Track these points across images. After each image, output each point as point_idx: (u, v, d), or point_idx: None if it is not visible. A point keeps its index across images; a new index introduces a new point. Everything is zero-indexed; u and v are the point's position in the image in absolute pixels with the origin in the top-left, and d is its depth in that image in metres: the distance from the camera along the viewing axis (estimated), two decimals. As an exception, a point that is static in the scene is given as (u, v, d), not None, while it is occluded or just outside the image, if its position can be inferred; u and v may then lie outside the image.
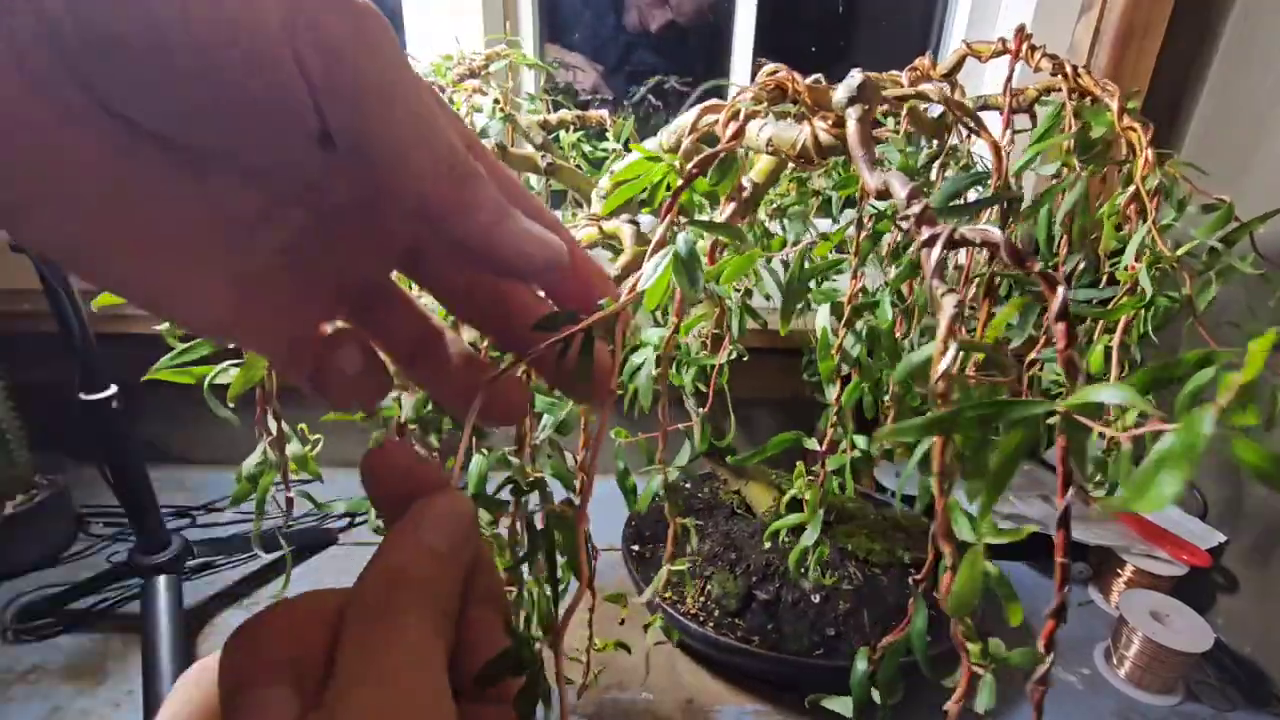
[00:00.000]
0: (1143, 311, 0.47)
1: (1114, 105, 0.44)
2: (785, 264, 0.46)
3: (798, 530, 0.50)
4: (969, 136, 0.50)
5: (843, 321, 0.45)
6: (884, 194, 0.24)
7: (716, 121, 0.33)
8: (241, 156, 0.16)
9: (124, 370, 0.68)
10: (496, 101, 0.64)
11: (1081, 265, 0.51)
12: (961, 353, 0.19)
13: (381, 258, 0.21)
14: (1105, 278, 0.51)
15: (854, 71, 0.31)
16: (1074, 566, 0.84)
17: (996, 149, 0.37)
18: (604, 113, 0.77)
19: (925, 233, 0.21)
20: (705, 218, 0.33)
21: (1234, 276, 0.46)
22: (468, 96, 0.66)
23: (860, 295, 0.45)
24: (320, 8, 0.15)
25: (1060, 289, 0.18)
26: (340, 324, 0.21)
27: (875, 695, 0.31)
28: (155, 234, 0.16)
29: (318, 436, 0.49)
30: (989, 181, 0.38)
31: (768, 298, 0.76)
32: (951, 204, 0.32)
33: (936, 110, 0.48)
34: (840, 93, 0.31)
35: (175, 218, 0.16)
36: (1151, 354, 0.48)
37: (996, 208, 0.39)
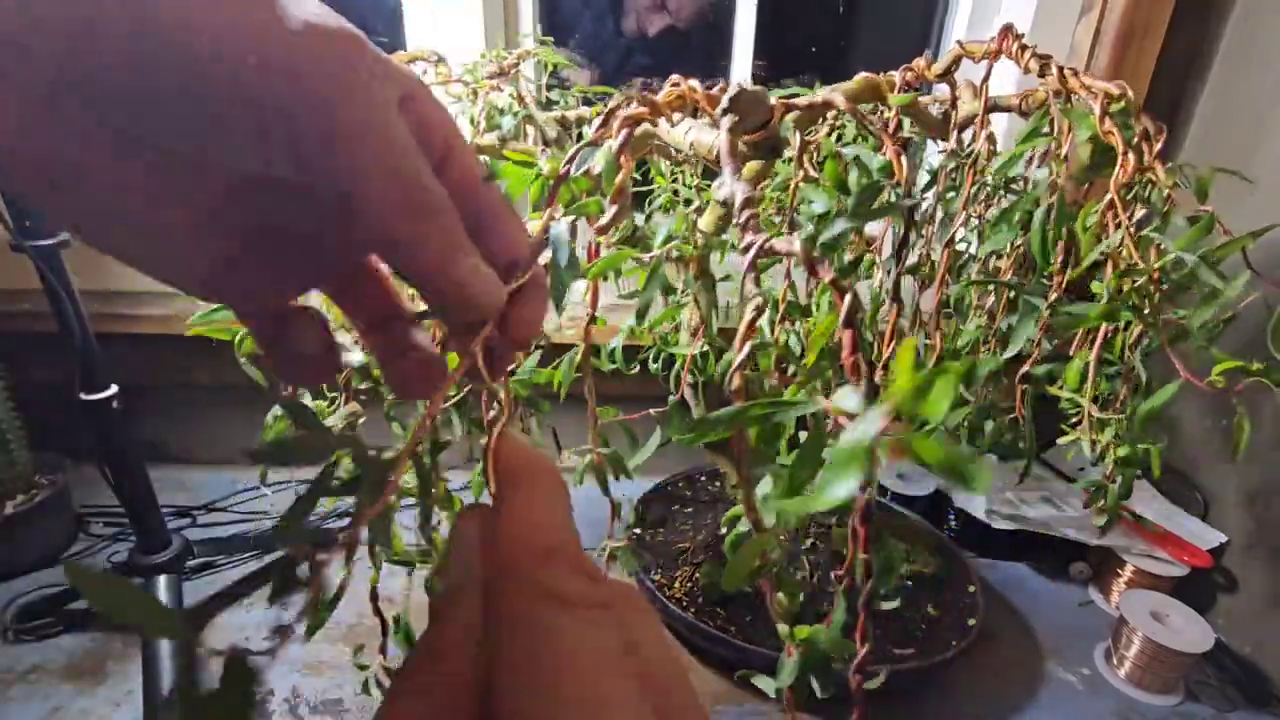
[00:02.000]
0: (1136, 328, 0.46)
1: (1096, 108, 0.42)
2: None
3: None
4: (976, 136, 0.49)
5: (778, 320, 0.46)
6: (740, 204, 0.25)
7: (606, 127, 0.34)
8: (222, 164, 0.17)
9: (124, 370, 0.68)
10: (513, 98, 0.65)
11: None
12: (755, 352, 0.21)
13: (351, 249, 0.22)
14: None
15: (735, 83, 0.33)
16: (1074, 566, 0.84)
17: (898, 154, 0.38)
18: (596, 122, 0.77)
19: (745, 239, 0.23)
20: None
21: (1227, 296, 0.42)
22: (486, 93, 0.67)
23: (788, 295, 0.46)
24: (298, 43, 0.15)
25: (848, 296, 0.20)
26: (305, 301, 0.22)
27: (815, 685, 0.32)
28: (140, 219, 0.18)
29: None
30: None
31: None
32: (858, 209, 0.34)
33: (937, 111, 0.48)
34: (721, 104, 0.32)
35: (156, 205, 0.17)
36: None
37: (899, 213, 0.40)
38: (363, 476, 0.18)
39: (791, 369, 0.45)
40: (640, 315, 0.39)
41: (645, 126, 0.37)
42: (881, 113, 0.50)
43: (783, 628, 0.28)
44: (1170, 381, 0.44)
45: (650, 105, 0.34)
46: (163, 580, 0.69)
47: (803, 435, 0.20)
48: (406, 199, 0.17)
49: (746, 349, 0.22)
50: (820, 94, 0.40)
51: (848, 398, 0.16)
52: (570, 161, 0.29)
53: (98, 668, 0.67)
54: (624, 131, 0.31)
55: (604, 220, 0.30)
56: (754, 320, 0.21)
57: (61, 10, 0.14)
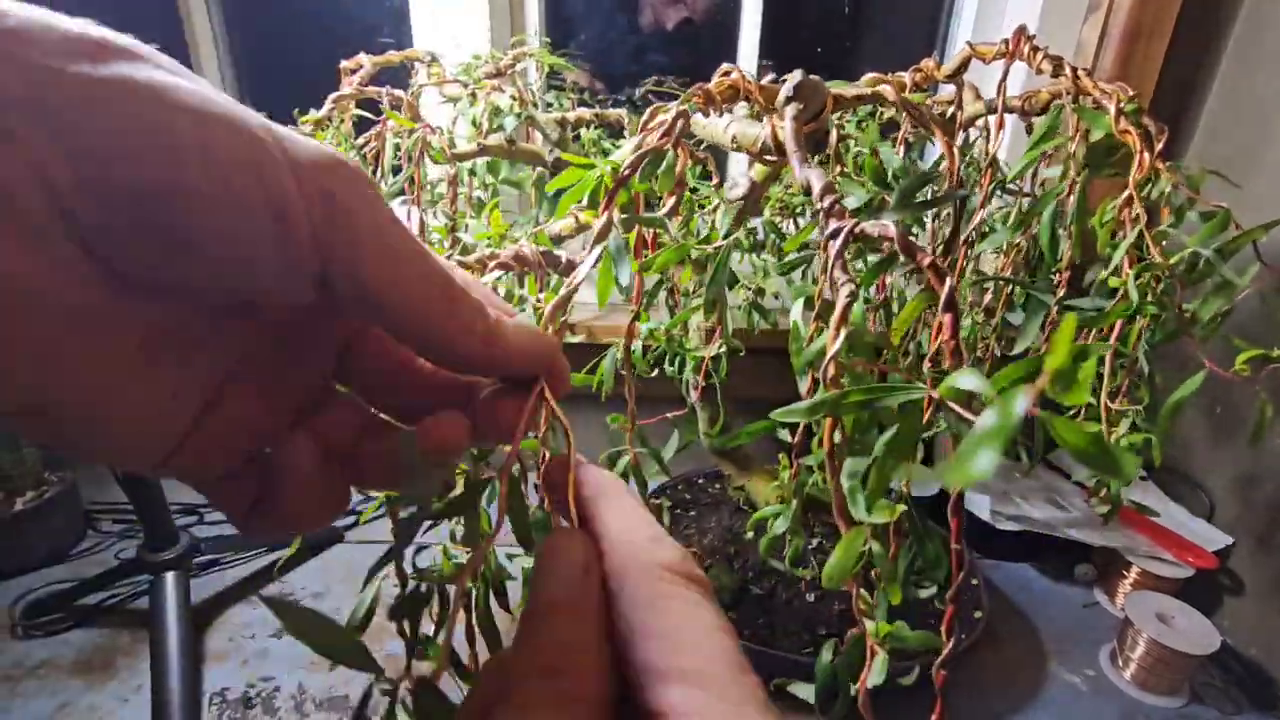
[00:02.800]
0: (1143, 321, 0.46)
1: (1111, 108, 0.43)
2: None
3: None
4: (988, 136, 0.49)
5: (814, 315, 0.46)
6: (820, 190, 0.25)
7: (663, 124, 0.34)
8: (232, 295, 0.17)
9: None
10: (514, 99, 0.65)
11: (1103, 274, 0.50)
12: (850, 341, 0.21)
13: (325, 357, 0.21)
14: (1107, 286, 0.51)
15: (795, 73, 0.33)
16: (1079, 567, 0.84)
17: (950, 150, 0.38)
18: (622, 111, 0.78)
19: (831, 225, 0.23)
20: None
21: (1237, 288, 0.43)
22: (486, 94, 0.67)
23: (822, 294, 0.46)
24: (313, 160, 0.16)
25: (948, 280, 0.19)
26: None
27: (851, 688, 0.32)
28: (111, 357, 0.16)
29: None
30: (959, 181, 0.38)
31: (776, 296, 0.76)
32: (905, 201, 0.34)
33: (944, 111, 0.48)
34: (781, 92, 0.32)
35: (133, 341, 0.16)
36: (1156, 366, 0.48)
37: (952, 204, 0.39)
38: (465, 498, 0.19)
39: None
40: (709, 308, 0.38)
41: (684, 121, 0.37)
42: (876, 110, 0.50)
43: (870, 625, 0.28)
44: (1169, 374, 0.44)
45: (705, 95, 0.34)
46: (170, 577, 0.69)
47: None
48: (445, 293, 0.18)
49: (841, 338, 0.21)
50: (868, 87, 0.40)
51: (967, 379, 0.16)
52: (635, 168, 0.29)
53: (106, 663, 0.67)
54: (680, 122, 0.31)
55: (664, 210, 0.30)
56: (848, 306, 0.21)
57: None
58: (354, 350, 0.22)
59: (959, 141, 0.52)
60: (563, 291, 0.22)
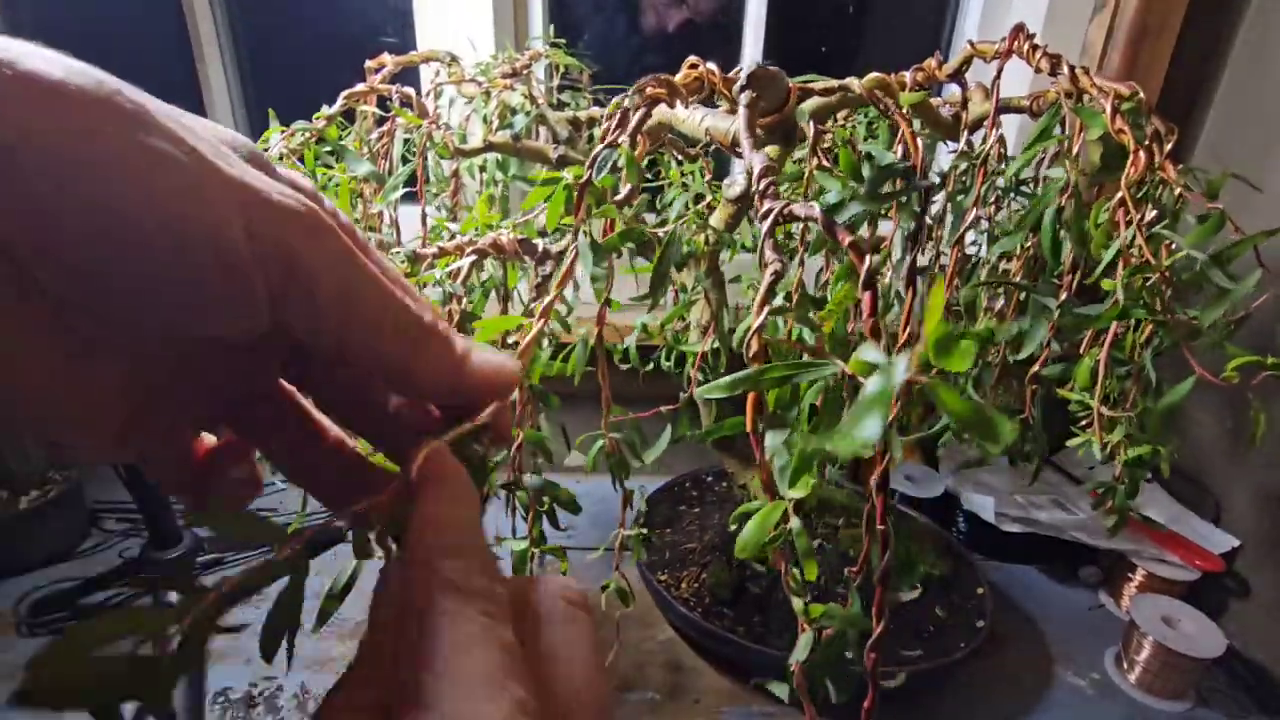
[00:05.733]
0: (1147, 328, 0.46)
1: (1107, 107, 0.42)
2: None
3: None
4: (987, 135, 0.49)
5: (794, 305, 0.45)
6: (759, 172, 0.26)
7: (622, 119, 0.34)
8: (183, 331, 0.17)
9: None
10: (525, 97, 0.66)
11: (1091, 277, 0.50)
12: (773, 317, 0.22)
13: (271, 369, 0.22)
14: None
15: (750, 62, 0.33)
16: (1085, 570, 0.83)
17: (913, 136, 0.38)
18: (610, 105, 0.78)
19: (764, 205, 0.23)
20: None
21: (1238, 295, 0.42)
22: (499, 93, 0.68)
23: (799, 286, 0.45)
24: (276, 215, 0.16)
25: (867, 259, 0.20)
26: (213, 437, 0.22)
27: (830, 689, 0.32)
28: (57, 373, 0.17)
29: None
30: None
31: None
32: (871, 193, 0.34)
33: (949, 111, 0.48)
34: (739, 81, 0.33)
35: (78, 364, 0.17)
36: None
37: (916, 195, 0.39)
38: None
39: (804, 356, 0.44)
40: (655, 289, 0.39)
41: (661, 114, 0.37)
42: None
43: (797, 603, 0.28)
44: (1180, 381, 0.44)
45: (668, 86, 0.34)
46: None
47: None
48: (406, 330, 0.19)
49: (764, 313, 0.22)
50: (836, 81, 0.40)
51: (870, 351, 0.16)
52: (592, 166, 0.30)
53: (110, 662, 0.67)
54: (641, 110, 0.31)
55: (621, 195, 0.31)
56: (772, 284, 0.21)
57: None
58: (307, 363, 0.22)
59: (964, 142, 0.52)
60: (542, 306, 0.22)
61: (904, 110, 0.42)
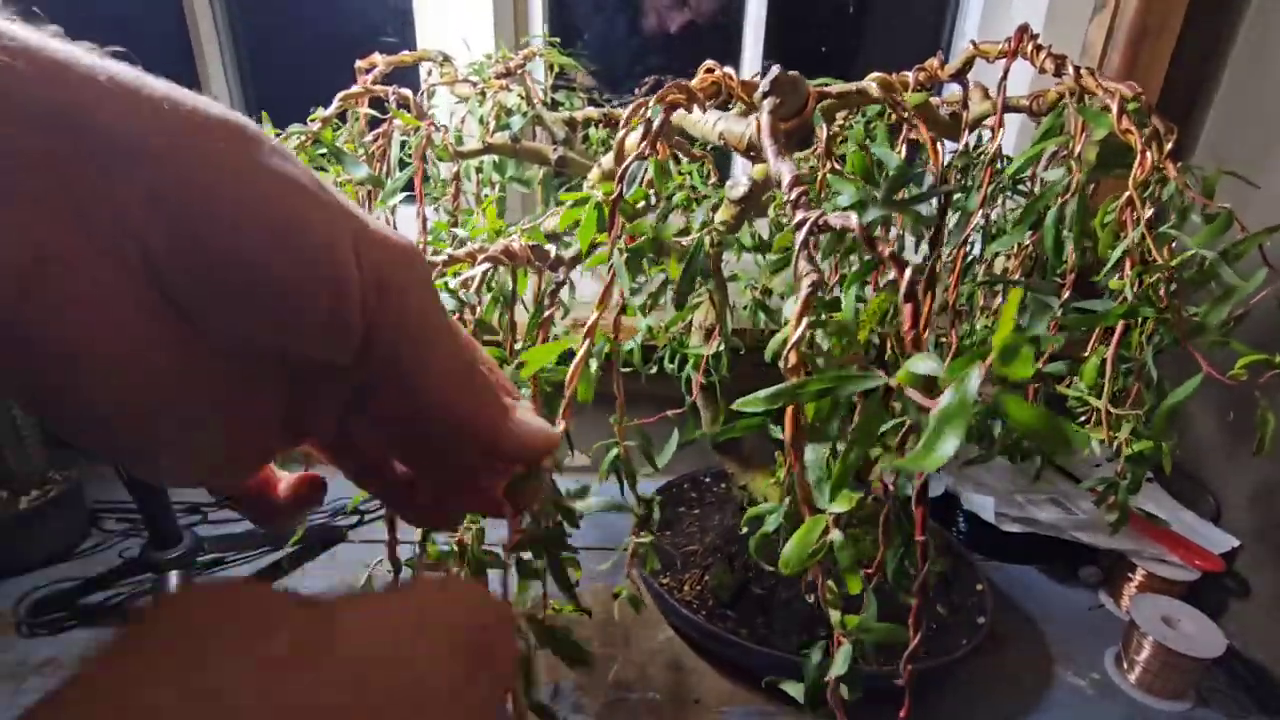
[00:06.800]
0: (1150, 326, 0.46)
1: (1114, 107, 0.42)
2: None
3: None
4: (991, 136, 0.49)
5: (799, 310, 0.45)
6: (789, 181, 0.26)
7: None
8: (283, 351, 0.18)
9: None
10: (522, 98, 0.66)
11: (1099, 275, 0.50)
12: (813, 329, 0.21)
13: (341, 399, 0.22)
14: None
15: (773, 68, 0.33)
16: (1085, 570, 0.83)
17: (933, 145, 0.38)
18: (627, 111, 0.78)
19: (798, 216, 0.23)
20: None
21: (1243, 293, 0.42)
22: (495, 93, 0.68)
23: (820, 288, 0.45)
24: (379, 245, 0.17)
25: (908, 269, 0.19)
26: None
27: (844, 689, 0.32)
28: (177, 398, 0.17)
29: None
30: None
31: (783, 296, 0.76)
32: (888, 198, 0.34)
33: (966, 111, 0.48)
34: (759, 87, 0.32)
35: (199, 386, 0.17)
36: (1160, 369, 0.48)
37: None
38: None
39: (821, 362, 0.44)
40: (680, 300, 0.39)
41: (675, 116, 0.37)
42: (884, 110, 0.49)
43: (834, 615, 0.28)
44: (1181, 379, 0.44)
45: (686, 92, 0.34)
46: (174, 576, 0.70)
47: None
48: (470, 382, 0.20)
49: (803, 325, 0.22)
50: (855, 84, 0.40)
51: (924, 363, 0.16)
52: (621, 181, 0.30)
53: (110, 662, 0.67)
54: (661, 115, 0.31)
55: (650, 203, 0.31)
56: (810, 295, 0.21)
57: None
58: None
59: (964, 142, 0.52)
60: (587, 324, 0.22)
61: (908, 113, 0.42)
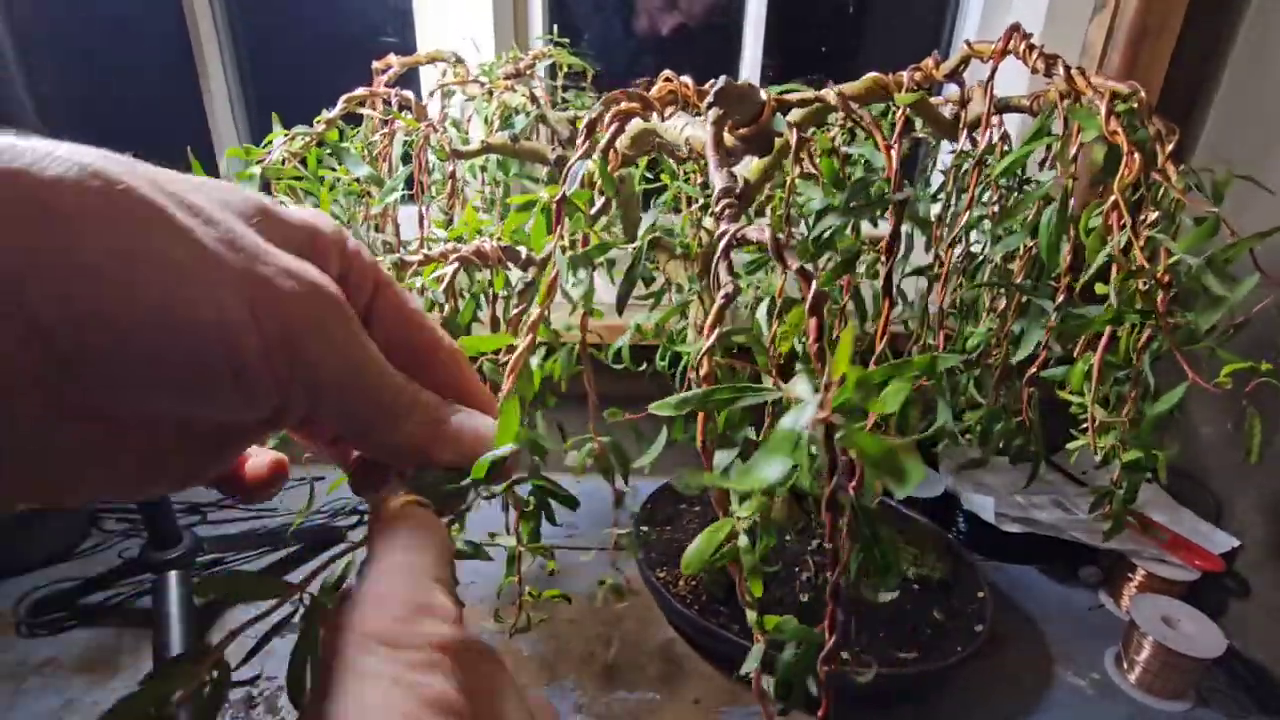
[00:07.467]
0: (1145, 333, 0.45)
1: (1102, 108, 0.42)
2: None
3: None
4: (984, 135, 0.49)
5: (775, 316, 0.45)
6: (718, 193, 0.26)
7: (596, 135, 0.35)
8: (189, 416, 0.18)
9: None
10: (526, 98, 0.66)
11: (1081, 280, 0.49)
12: (723, 340, 0.22)
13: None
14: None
15: (720, 78, 0.33)
16: (1085, 570, 0.83)
17: (888, 149, 0.38)
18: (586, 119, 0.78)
19: (720, 227, 0.24)
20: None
21: (1231, 300, 0.41)
22: (501, 93, 0.69)
23: (784, 292, 0.46)
24: (281, 298, 0.16)
25: (813, 283, 0.20)
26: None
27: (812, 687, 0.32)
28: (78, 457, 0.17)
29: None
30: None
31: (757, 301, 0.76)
32: (851, 204, 0.34)
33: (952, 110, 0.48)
34: (707, 98, 0.33)
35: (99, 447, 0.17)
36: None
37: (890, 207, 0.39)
38: None
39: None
40: (619, 305, 0.39)
41: (642, 123, 0.38)
42: (888, 109, 0.49)
43: (751, 615, 0.28)
44: (1178, 385, 0.44)
45: (641, 100, 0.35)
46: (174, 576, 0.69)
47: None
48: (394, 407, 0.20)
49: (714, 336, 0.22)
50: (814, 91, 0.40)
51: (799, 385, 0.16)
52: (564, 180, 0.30)
53: (110, 661, 0.67)
54: (614, 125, 0.32)
55: (594, 210, 0.31)
56: (722, 308, 0.22)
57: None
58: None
59: (964, 142, 0.52)
60: (529, 321, 0.23)
61: (894, 116, 0.42)
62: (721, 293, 0.22)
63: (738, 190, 0.25)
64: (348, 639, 0.15)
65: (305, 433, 0.24)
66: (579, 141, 0.32)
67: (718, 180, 0.26)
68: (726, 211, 0.24)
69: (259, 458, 0.23)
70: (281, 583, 0.18)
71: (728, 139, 0.36)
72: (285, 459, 0.24)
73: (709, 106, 0.32)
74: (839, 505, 0.20)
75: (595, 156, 0.31)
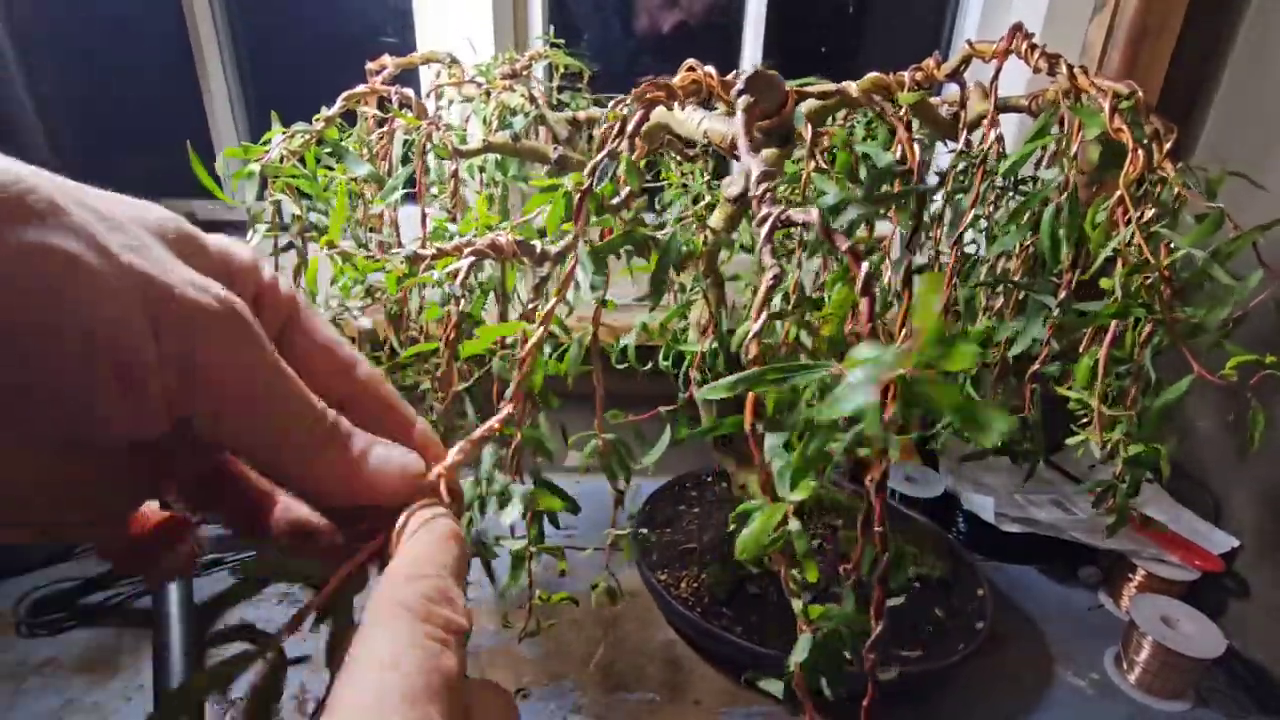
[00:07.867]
0: (1147, 327, 0.45)
1: (1105, 106, 0.42)
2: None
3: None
4: (986, 134, 0.49)
5: (790, 310, 0.45)
6: (757, 177, 0.26)
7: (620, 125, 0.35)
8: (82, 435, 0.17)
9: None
10: (525, 98, 0.66)
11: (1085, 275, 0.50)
12: (772, 321, 0.22)
13: (194, 457, 0.22)
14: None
15: (747, 66, 0.33)
16: (1084, 570, 0.83)
17: (910, 140, 0.38)
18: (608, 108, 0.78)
19: (762, 211, 0.23)
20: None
21: (1238, 294, 0.42)
22: (499, 93, 0.69)
23: (797, 288, 0.46)
24: (184, 312, 0.16)
25: (864, 264, 0.20)
26: (161, 512, 0.22)
27: (824, 686, 0.32)
28: None
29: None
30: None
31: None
32: (867, 196, 0.34)
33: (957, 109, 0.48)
34: (737, 85, 0.33)
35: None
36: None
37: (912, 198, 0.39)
38: None
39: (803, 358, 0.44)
40: (656, 290, 0.38)
41: (658, 115, 0.38)
42: (899, 107, 0.49)
43: (797, 604, 0.28)
44: (1180, 380, 0.44)
45: (665, 89, 0.35)
46: (174, 576, 0.69)
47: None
48: (305, 435, 0.18)
49: (763, 318, 0.22)
50: (834, 85, 0.40)
51: (865, 349, 0.16)
52: (592, 174, 0.30)
53: (110, 661, 0.67)
54: (640, 112, 0.32)
55: (619, 199, 0.31)
56: (771, 289, 0.22)
57: None
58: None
59: (963, 141, 0.52)
60: (543, 311, 0.22)
61: (900, 113, 0.42)
62: (769, 274, 0.22)
63: (775, 176, 0.25)
64: (381, 604, 0.16)
65: (214, 484, 0.22)
66: (610, 139, 0.32)
67: (754, 164, 0.26)
68: (768, 195, 0.24)
69: (149, 517, 0.21)
70: (324, 564, 0.18)
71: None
72: (185, 516, 0.22)
73: (739, 94, 0.32)
74: (885, 488, 0.20)
75: (623, 148, 0.31)
